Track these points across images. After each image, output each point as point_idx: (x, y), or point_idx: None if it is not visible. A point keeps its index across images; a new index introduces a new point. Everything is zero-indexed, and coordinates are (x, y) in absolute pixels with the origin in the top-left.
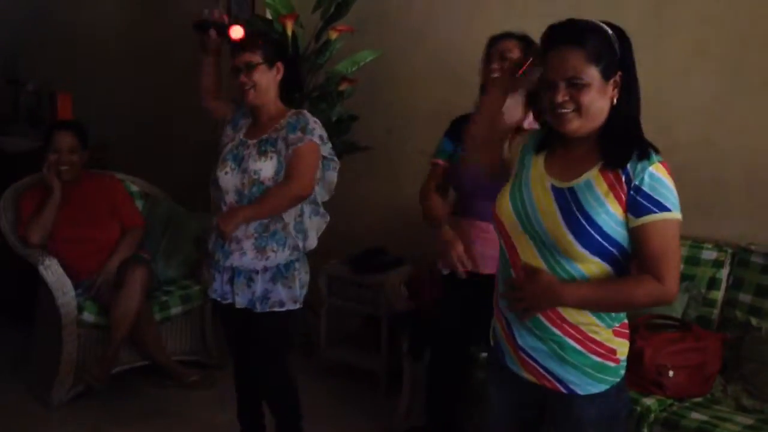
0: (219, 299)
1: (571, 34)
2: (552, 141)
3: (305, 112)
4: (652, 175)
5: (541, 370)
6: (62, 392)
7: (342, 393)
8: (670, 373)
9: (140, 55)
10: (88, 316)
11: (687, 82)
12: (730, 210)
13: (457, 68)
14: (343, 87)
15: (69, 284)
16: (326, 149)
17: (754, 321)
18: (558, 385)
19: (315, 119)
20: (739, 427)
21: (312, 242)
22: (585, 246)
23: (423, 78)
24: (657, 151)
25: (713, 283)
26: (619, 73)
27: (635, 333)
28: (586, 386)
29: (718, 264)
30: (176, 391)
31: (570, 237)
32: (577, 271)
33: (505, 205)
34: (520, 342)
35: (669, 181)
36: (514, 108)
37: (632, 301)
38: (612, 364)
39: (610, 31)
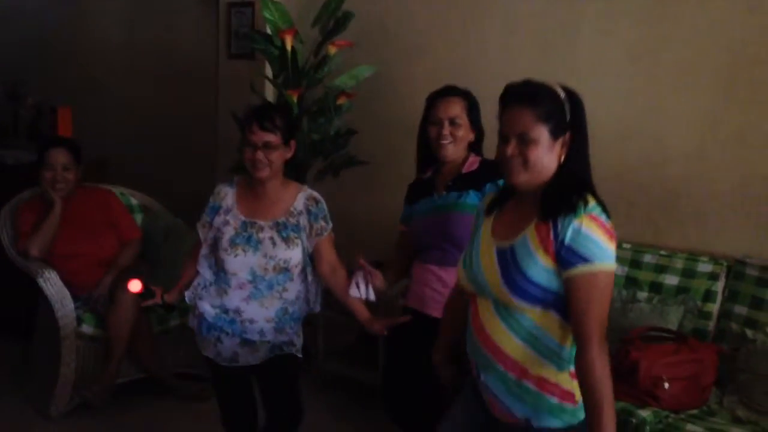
0: (225, 364)
1: (524, 94)
2: (504, 200)
3: (318, 196)
4: (575, 229)
5: (501, 407)
6: (61, 404)
7: (338, 406)
8: (666, 384)
9: (140, 69)
10: (87, 328)
11: (680, 96)
12: (725, 223)
13: (455, 84)
14: (342, 101)
15: (68, 296)
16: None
17: (749, 333)
18: (517, 418)
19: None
20: None
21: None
22: (521, 297)
23: (421, 93)
24: (594, 203)
25: (709, 296)
26: (569, 133)
27: (630, 344)
28: (543, 420)
29: (713, 276)
30: (175, 404)
31: (506, 290)
32: (527, 321)
33: (460, 270)
34: (483, 379)
35: (596, 233)
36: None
37: (609, 382)
38: (569, 406)
39: (562, 95)
